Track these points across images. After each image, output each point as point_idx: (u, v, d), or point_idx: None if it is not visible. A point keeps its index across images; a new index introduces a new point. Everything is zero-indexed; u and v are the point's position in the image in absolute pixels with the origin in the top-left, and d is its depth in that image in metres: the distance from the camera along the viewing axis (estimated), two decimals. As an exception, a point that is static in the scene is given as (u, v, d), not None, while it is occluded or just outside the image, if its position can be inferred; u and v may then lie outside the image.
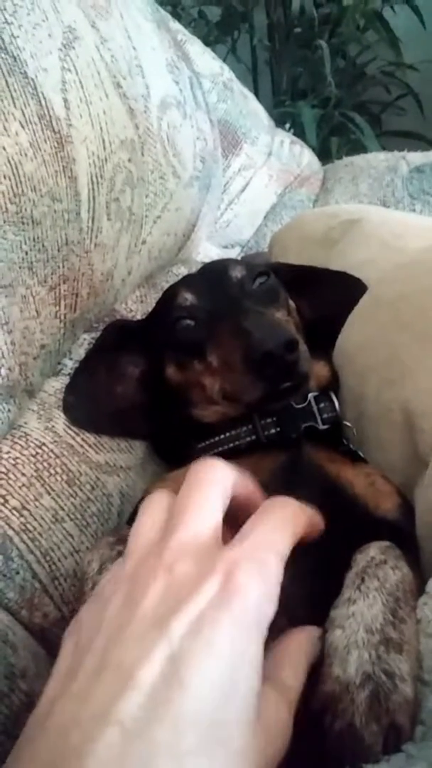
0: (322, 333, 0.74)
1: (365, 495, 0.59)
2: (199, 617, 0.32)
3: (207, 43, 1.44)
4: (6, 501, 0.61)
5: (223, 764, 0.29)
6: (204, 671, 0.30)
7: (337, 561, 0.48)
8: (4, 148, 0.57)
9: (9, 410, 0.65)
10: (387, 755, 0.34)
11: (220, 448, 0.67)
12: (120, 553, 0.40)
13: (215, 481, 0.40)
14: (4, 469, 0.62)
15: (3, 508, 0.60)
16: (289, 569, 0.38)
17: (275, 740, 0.32)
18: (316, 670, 0.39)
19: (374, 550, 0.48)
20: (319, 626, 0.42)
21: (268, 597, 0.34)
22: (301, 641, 0.39)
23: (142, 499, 0.67)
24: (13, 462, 0.63)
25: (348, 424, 0.69)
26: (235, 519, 0.39)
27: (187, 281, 0.78)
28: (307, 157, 1.60)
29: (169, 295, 0.76)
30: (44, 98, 0.62)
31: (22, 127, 0.59)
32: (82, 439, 0.70)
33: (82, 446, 0.70)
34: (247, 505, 0.41)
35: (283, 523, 0.38)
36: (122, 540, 0.50)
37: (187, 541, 0.36)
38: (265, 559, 0.35)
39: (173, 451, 0.74)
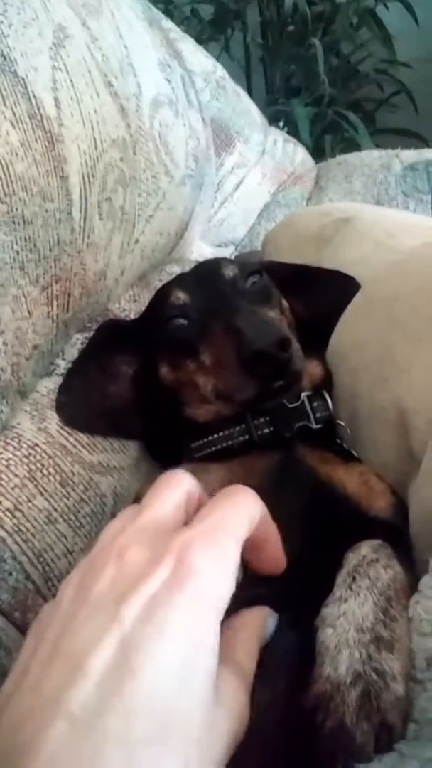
0: (316, 332, 0.74)
1: (358, 494, 0.60)
2: (151, 600, 0.31)
3: (200, 41, 1.43)
4: (-2, 502, 0.60)
5: (179, 752, 0.28)
6: (156, 657, 0.29)
7: (329, 559, 0.48)
8: (-6, 148, 0.57)
9: (1, 411, 0.64)
10: (379, 754, 0.35)
11: (213, 448, 0.67)
12: None
13: (178, 484, 0.39)
14: (-4, 470, 0.62)
15: (-5, 510, 0.60)
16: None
17: (234, 724, 0.32)
18: (309, 669, 0.39)
19: (366, 548, 0.48)
20: (310, 624, 0.43)
21: (224, 578, 0.33)
22: (253, 620, 0.39)
23: (135, 499, 0.67)
24: (5, 463, 0.63)
25: (341, 423, 0.69)
26: None
27: (179, 280, 0.78)
28: (300, 155, 1.60)
29: (162, 295, 0.76)
30: (35, 97, 0.62)
31: (13, 126, 0.59)
32: (75, 440, 0.70)
33: (75, 446, 0.70)
34: None
35: (240, 507, 0.37)
36: None
37: (142, 528, 0.35)
38: (220, 540, 0.34)
39: (166, 451, 0.74)
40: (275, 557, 0.40)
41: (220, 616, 0.32)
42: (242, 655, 0.35)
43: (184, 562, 0.32)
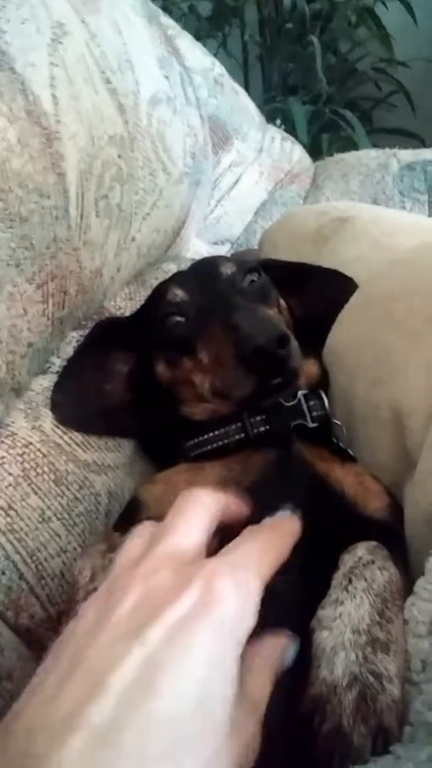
0: (312, 331, 0.74)
1: (354, 494, 0.60)
2: (176, 624, 0.31)
3: (198, 38, 1.43)
4: (-8, 501, 0.60)
5: None
6: (178, 678, 0.30)
7: (325, 560, 0.48)
8: (-10, 144, 0.57)
9: (-4, 409, 0.64)
10: (375, 757, 0.34)
11: (209, 447, 0.67)
12: (112, 562, 0.40)
13: (202, 504, 0.39)
14: (-10, 469, 0.62)
15: (-11, 508, 0.60)
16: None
17: (245, 751, 0.32)
18: (305, 671, 0.39)
19: (362, 550, 0.48)
20: (306, 625, 0.42)
21: (248, 609, 0.34)
22: (267, 651, 0.39)
23: (131, 500, 0.67)
24: (-1, 461, 0.63)
25: (337, 422, 0.69)
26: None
27: (177, 278, 0.78)
28: (297, 153, 1.59)
29: (160, 292, 0.75)
30: (32, 94, 0.61)
31: (10, 122, 0.59)
32: (70, 438, 0.70)
33: (69, 445, 0.69)
34: (238, 530, 0.41)
35: (270, 546, 0.38)
36: (113, 548, 0.50)
37: (167, 553, 0.36)
38: (246, 579, 0.35)
39: (162, 449, 0.74)
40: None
41: (242, 647, 0.33)
42: (255, 685, 0.36)
43: (211, 590, 0.33)
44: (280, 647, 0.39)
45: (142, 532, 0.39)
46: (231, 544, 0.38)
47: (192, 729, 0.29)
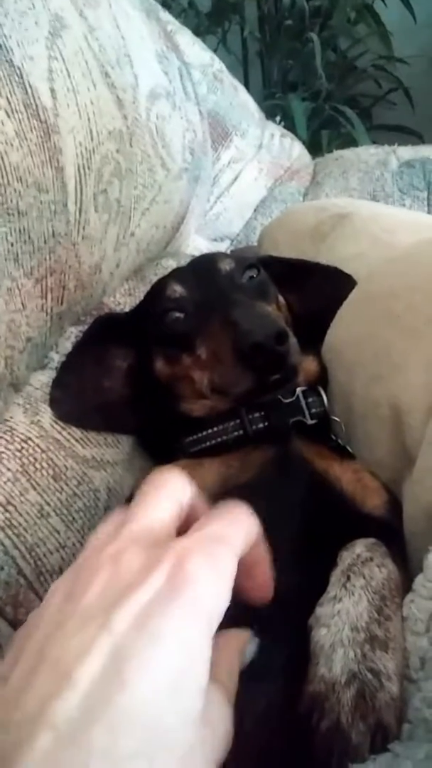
0: (311, 327, 0.74)
1: (353, 491, 0.59)
2: (145, 609, 0.29)
3: (197, 33, 1.42)
4: (-10, 496, 0.60)
5: None
6: (148, 668, 0.28)
7: (323, 557, 0.48)
8: (-11, 138, 0.56)
9: (-6, 404, 0.64)
10: (374, 754, 0.34)
11: (208, 443, 0.67)
12: None
13: (170, 485, 0.38)
14: (-12, 464, 0.61)
15: (-13, 504, 0.60)
16: (276, 564, 0.37)
17: (219, 743, 0.31)
18: (304, 669, 0.39)
19: (360, 547, 0.47)
20: (304, 622, 0.42)
21: (220, 589, 0.31)
22: (235, 641, 0.37)
23: (129, 496, 0.67)
24: (-3, 457, 0.62)
25: (336, 419, 0.68)
26: None
27: (176, 274, 0.78)
28: (297, 150, 1.59)
29: (159, 288, 0.75)
30: (30, 87, 0.61)
31: (8, 116, 0.58)
32: (69, 434, 0.70)
33: (68, 441, 0.69)
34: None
35: (238, 522, 0.36)
36: None
37: (136, 533, 0.34)
38: (218, 551, 0.33)
39: (161, 445, 0.74)
40: (263, 584, 0.38)
41: (213, 630, 0.31)
42: (225, 675, 0.34)
43: (180, 570, 0.30)
44: (242, 640, 0.38)
45: (114, 516, 0.37)
46: (198, 523, 0.35)
47: (165, 723, 0.27)
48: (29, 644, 0.31)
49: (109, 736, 0.26)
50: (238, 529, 0.35)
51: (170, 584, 0.30)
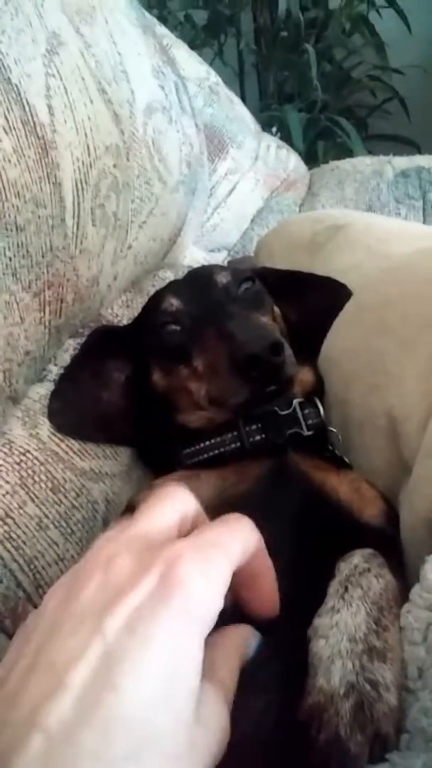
0: (307, 338, 0.74)
1: (350, 501, 0.60)
2: (136, 612, 0.30)
3: (193, 47, 1.44)
4: (-10, 509, 0.60)
5: None
6: (138, 672, 0.28)
7: (321, 567, 0.48)
8: (-13, 155, 0.57)
9: (-7, 417, 0.64)
10: (372, 765, 0.34)
11: (206, 455, 0.67)
12: None
13: (174, 499, 0.38)
14: (-13, 477, 0.62)
15: (-14, 517, 0.60)
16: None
17: (215, 742, 0.31)
18: (302, 680, 0.39)
19: (358, 558, 0.48)
20: (302, 634, 0.42)
21: (212, 593, 0.32)
22: (235, 638, 0.38)
23: (126, 507, 0.67)
24: (-4, 469, 0.63)
25: (333, 429, 0.69)
26: None
27: (172, 287, 0.78)
28: (293, 161, 1.60)
29: (155, 301, 0.76)
30: (28, 104, 0.62)
31: (6, 133, 0.59)
32: (67, 446, 0.70)
33: (66, 453, 0.69)
34: None
35: (236, 531, 0.36)
36: None
37: (132, 539, 0.34)
38: (212, 557, 0.33)
39: (159, 457, 0.74)
40: (268, 597, 0.39)
41: (206, 633, 0.31)
42: (224, 673, 0.34)
43: (171, 574, 0.31)
44: (243, 636, 0.38)
45: (115, 525, 0.37)
46: (196, 531, 0.36)
47: (156, 725, 0.28)
48: (26, 646, 0.31)
49: (100, 738, 0.26)
50: (233, 536, 0.36)
51: (161, 588, 0.30)
